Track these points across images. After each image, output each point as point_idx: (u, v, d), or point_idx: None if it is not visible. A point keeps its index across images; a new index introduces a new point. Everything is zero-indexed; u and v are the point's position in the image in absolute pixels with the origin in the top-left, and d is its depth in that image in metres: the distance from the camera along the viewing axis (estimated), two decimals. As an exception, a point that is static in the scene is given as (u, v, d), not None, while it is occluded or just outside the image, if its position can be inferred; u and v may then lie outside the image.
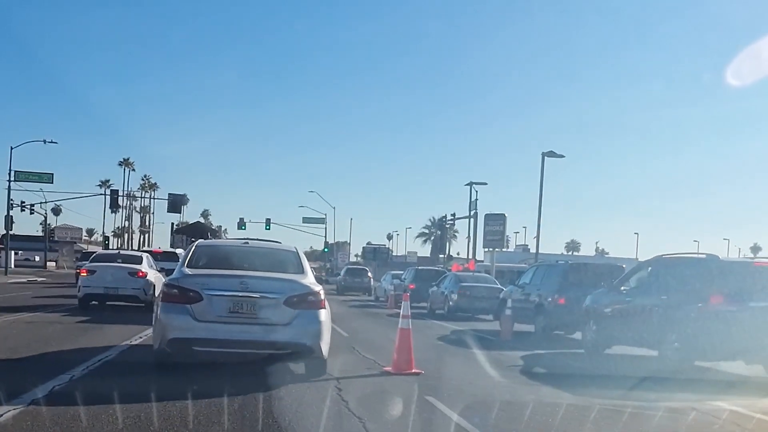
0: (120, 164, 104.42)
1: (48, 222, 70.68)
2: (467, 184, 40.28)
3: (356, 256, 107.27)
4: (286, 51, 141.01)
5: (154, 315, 8.71)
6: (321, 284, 8.85)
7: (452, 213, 49.57)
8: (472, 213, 45.90)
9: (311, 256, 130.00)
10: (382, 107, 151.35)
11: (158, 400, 6.21)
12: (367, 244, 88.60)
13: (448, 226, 46.52)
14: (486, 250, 48.78)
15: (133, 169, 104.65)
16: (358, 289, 39.79)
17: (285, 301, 8.00)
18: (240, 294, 7.96)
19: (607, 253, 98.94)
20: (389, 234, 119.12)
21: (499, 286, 23.87)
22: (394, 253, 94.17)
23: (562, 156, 30.65)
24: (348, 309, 26.02)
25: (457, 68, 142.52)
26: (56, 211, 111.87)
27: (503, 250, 54.82)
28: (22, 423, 5.52)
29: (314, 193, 79.76)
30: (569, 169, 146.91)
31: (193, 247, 9.51)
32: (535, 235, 31.82)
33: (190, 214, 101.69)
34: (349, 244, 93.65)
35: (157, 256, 24.84)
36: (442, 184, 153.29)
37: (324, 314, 8.28)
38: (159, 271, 20.63)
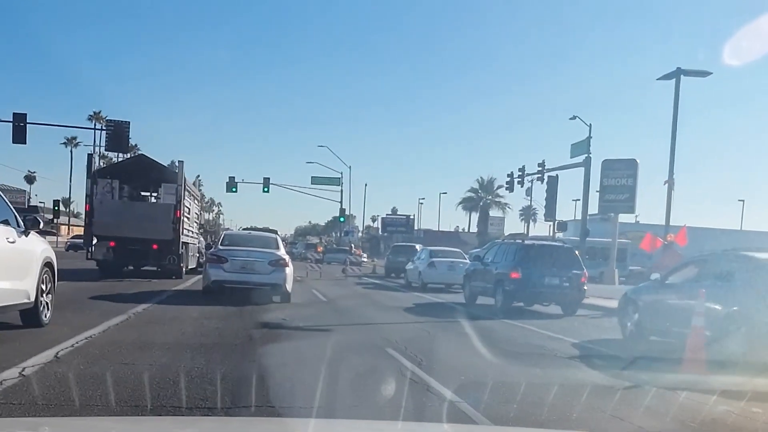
0: (89, 118, 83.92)
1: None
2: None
3: (361, 232, 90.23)
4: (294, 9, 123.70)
5: (203, 270, 17.05)
6: (287, 255, 16.64)
7: (540, 161, 33.09)
8: (583, 158, 29.67)
9: (313, 230, 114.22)
10: (388, 73, 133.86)
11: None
12: (372, 218, 71.17)
13: (548, 178, 30.02)
14: (600, 217, 32.35)
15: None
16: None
17: (268, 263, 15.56)
18: (246, 258, 15.65)
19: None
20: (393, 208, 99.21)
21: None
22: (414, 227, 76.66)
23: None
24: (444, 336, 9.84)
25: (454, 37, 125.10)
26: (30, 179, 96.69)
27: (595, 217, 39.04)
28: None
29: (325, 148, 57.21)
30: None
31: (223, 235, 19.13)
32: None
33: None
34: (357, 216, 76.15)
35: None
36: (469, 149, 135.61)
37: (288, 270, 15.73)
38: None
